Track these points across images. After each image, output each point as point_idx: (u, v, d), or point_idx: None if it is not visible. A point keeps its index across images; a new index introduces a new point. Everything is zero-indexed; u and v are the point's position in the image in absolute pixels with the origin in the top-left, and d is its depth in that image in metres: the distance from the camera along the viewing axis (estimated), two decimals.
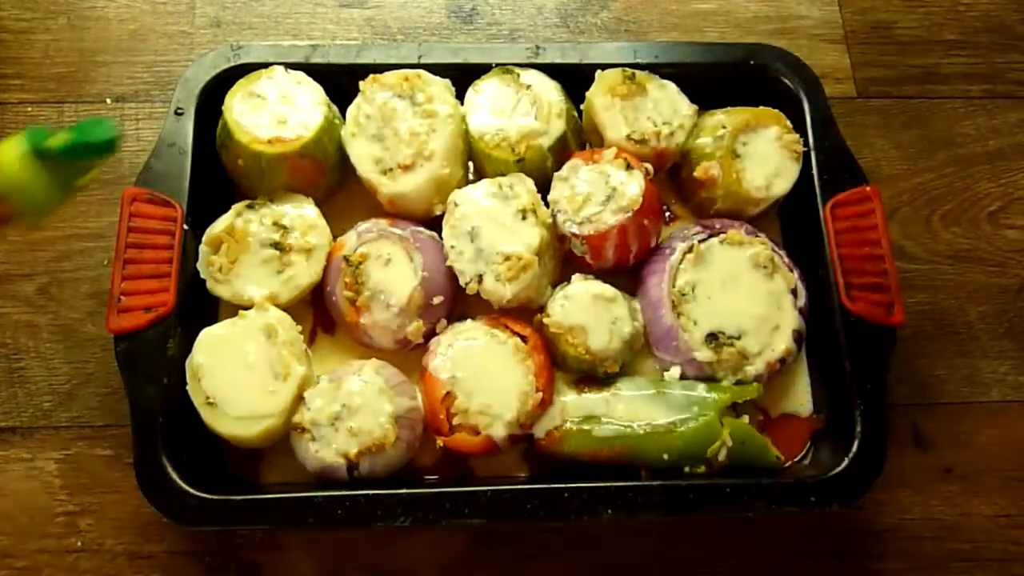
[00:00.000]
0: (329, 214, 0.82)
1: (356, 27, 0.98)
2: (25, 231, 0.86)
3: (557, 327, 0.76)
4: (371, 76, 0.82)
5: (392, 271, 0.77)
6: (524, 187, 0.78)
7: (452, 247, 0.77)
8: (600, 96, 0.83)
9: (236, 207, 0.80)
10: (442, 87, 0.82)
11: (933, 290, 0.91)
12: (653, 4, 1.02)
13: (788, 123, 0.84)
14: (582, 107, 0.85)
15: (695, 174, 0.83)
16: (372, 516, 0.70)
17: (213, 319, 0.80)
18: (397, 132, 0.80)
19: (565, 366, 0.79)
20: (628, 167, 0.79)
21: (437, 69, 0.83)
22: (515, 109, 0.82)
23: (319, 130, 0.79)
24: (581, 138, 0.86)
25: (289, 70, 0.82)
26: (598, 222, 0.77)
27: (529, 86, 0.83)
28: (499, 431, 0.73)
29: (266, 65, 0.82)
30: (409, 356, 0.80)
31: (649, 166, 0.79)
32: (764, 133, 0.84)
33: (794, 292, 0.79)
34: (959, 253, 0.92)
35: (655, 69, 0.86)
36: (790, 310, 0.78)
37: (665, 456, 0.74)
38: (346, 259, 0.77)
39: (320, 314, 0.83)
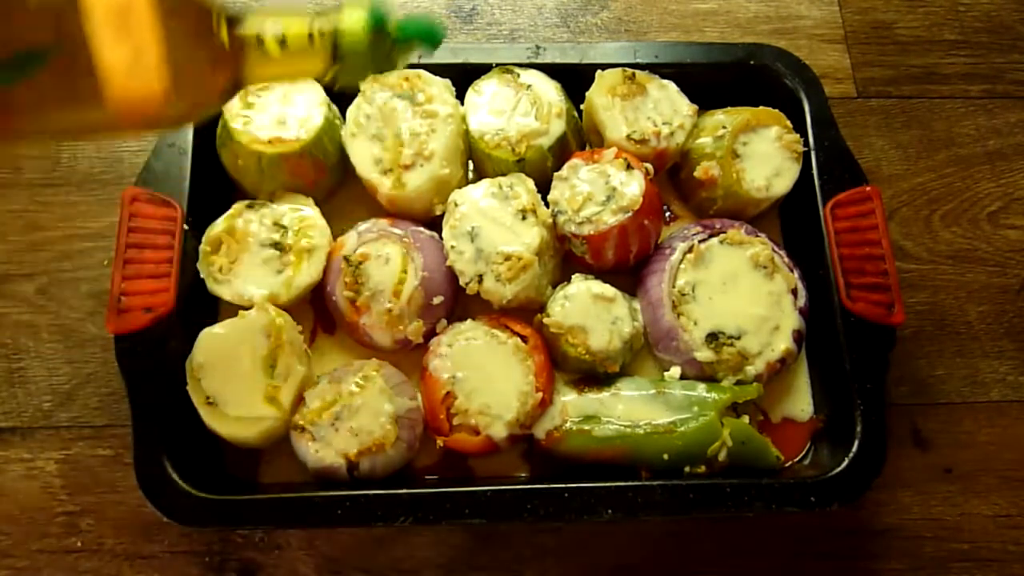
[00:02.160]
0: (329, 214, 0.82)
1: None
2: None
3: (557, 327, 0.76)
4: (371, 76, 0.82)
5: (392, 271, 0.77)
6: (524, 187, 0.78)
7: (452, 247, 0.77)
8: (600, 96, 0.83)
9: (236, 207, 0.80)
10: (442, 87, 0.82)
11: (933, 290, 0.91)
12: (653, 4, 1.02)
13: (788, 123, 0.84)
14: (582, 107, 0.85)
15: (695, 174, 0.83)
16: (372, 516, 0.70)
17: (213, 319, 0.80)
18: (397, 132, 0.80)
19: (565, 366, 0.79)
20: (628, 167, 0.79)
21: (437, 69, 0.83)
22: (515, 109, 0.82)
23: (319, 130, 0.79)
24: (581, 138, 0.86)
25: None
26: (598, 222, 0.77)
27: (529, 86, 0.83)
28: (499, 431, 0.73)
29: None
30: (409, 356, 0.80)
31: (649, 166, 0.79)
32: (764, 133, 0.84)
33: (794, 292, 0.79)
34: (959, 253, 0.92)
35: (655, 69, 0.86)
36: (790, 310, 0.78)
37: (665, 456, 0.74)
38: (346, 259, 0.77)
39: (320, 314, 0.83)
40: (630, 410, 0.75)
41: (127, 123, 0.49)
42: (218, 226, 0.79)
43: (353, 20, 0.56)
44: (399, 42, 0.58)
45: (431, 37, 0.59)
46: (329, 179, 0.84)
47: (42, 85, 0.46)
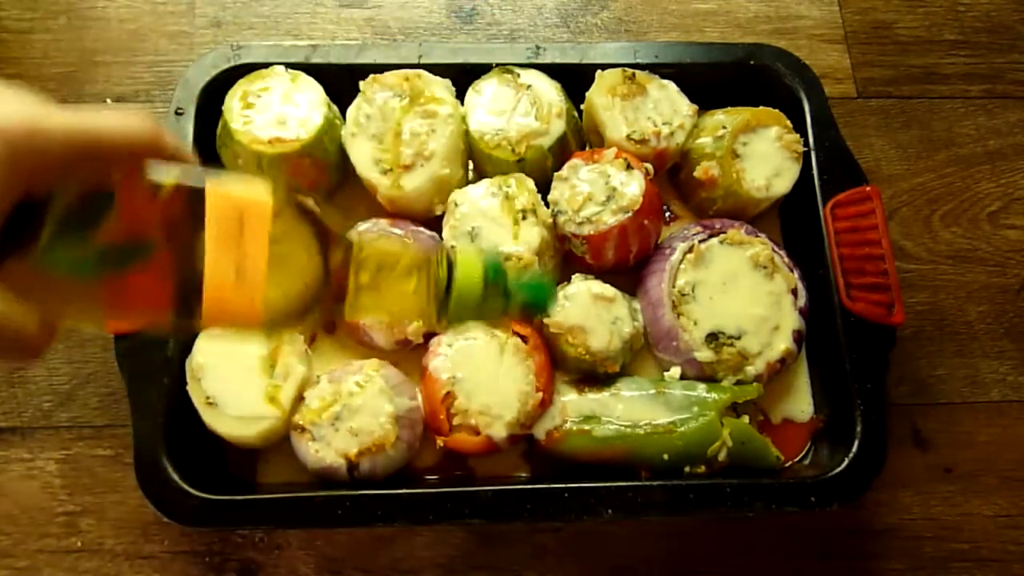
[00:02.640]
0: None
1: (356, 27, 0.98)
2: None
3: (557, 327, 0.76)
4: (371, 76, 0.82)
5: None
6: (524, 187, 0.78)
7: (452, 247, 0.77)
8: (600, 96, 0.83)
9: None
10: (442, 87, 0.82)
11: (933, 290, 0.91)
12: (653, 4, 1.02)
13: (788, 123, 0.84)
14: (582, 107, 0.85)
15: (695, 174, 0.83)
16: (372, 516, 0.70)
17: None
18: (397, 132, 0.80)
19: (565, 366, 0.79)
20: (628, 167, 0.79)
21: (437, 69, 0.83)
22: (515, 109, 0.82)
23: (319, 130, 0.79)
24: (581, 138, 0.86)
25: (289, 70, 0.82)
26: (598, 222, 0.77)
27: (529, 86, 0.83)
28: (499, 431, 0.73)
29: (266, 65, 0.82)
30: (409, 356, 0.80)
31: (649, 166, 0.79)
32: (764, 133, 0.84)
33: (794, 292, 0.79)
34: (959, 253, 0.92)
35: (655, 69, 0.86)
36: (790, 310, 0.78)
37: (665, 456, 0.74)
38: None
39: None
40: (630, 410, 0.75)
41: (209, 325, 0.47)
42: None
43: (468, 272, 0.52)
44: (509, 299, 0.55)
45: (541, 303, 0.56)
46: (329, 179, 0.84)
47: (138, 279, 0.44)
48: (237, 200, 0.44)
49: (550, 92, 0.83)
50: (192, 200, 0.43)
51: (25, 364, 0.49)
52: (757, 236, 0.81)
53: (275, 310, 0.46)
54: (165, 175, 0.44)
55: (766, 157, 0.83)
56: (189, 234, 0.44)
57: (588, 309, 0.77)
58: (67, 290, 0.44)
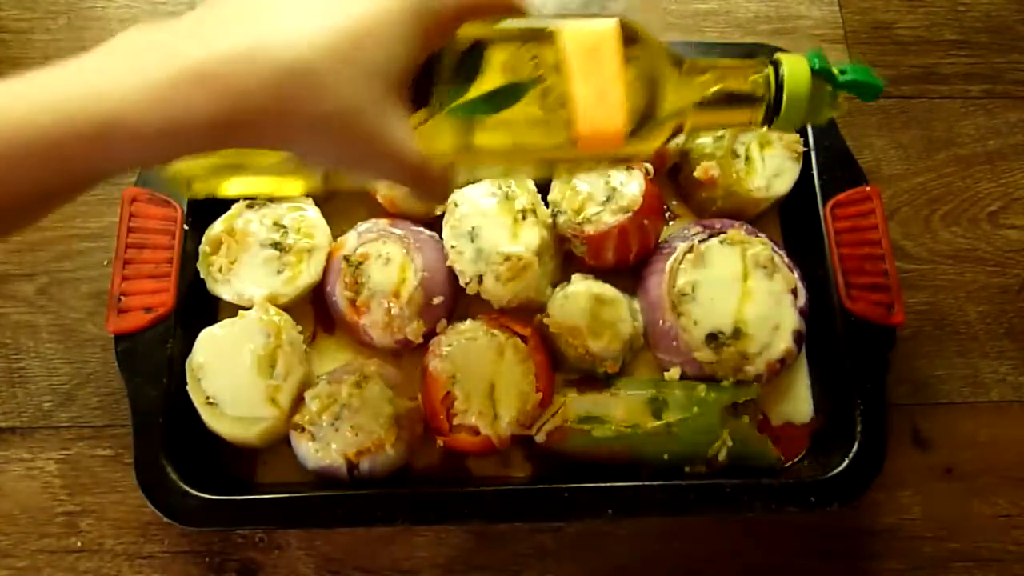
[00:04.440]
0: (329, 214, 0.82)
1: None
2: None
3: (557, 327, 0.76)
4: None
5: (392, 271, 0.77)
6: (524, 187, 0.78)
7: (452, 247, 0.77)
8: None
9: (236, 207, 0.80)
10: None
11: (933, 290, 0.91)
12: (653, 4, 1.02)
13: None
14: None
15: (695, 174, 0.83)
16: (372, 516, 0.70)
17: (213, 319, 0.80)
18: None
19: (565, 366, 0.79)
20: (628, 167, 0.79)
21: None
22: None
23: None
24: None
25: None
26: (598, 222, 0.77)
27: None
28: (499, 431, 0.73)
29: None
30: (409, 356, 0.80)
31: (649, 166, 0.79)
32: (764, 133, 0.84)
33: (794, 292, 0.79)
34: (959, 253, 0.92)
35: None
36: (790, 310, 0.78)
37: (665, 456, 0.74)
38: (346, 259, 0.77)
39: (320, 314, 0.83)
40: (630, 410, 0.75)
41: (583, 153, 0.53)
42: (218, 226, 0.79)
43: (795, 67, 0.54)
44: (838, 89, 0.56)
45: (872, 86, 0.56)
46: (329, 179, 0.84)
47: (517, 114, 0.51)
48: (589, 33, 0.50)
49: None
50: (549, 41, 0.49)
51: (434, 205, 0.64)
52: (757, 236, 0.81)
53: (637, 133, 0.52)
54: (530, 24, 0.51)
55: (766, 157, 0.83)
56: (551, 72, 0.50)
57: (588, 309, 0.77)
58: (461, 138, 0.51)
